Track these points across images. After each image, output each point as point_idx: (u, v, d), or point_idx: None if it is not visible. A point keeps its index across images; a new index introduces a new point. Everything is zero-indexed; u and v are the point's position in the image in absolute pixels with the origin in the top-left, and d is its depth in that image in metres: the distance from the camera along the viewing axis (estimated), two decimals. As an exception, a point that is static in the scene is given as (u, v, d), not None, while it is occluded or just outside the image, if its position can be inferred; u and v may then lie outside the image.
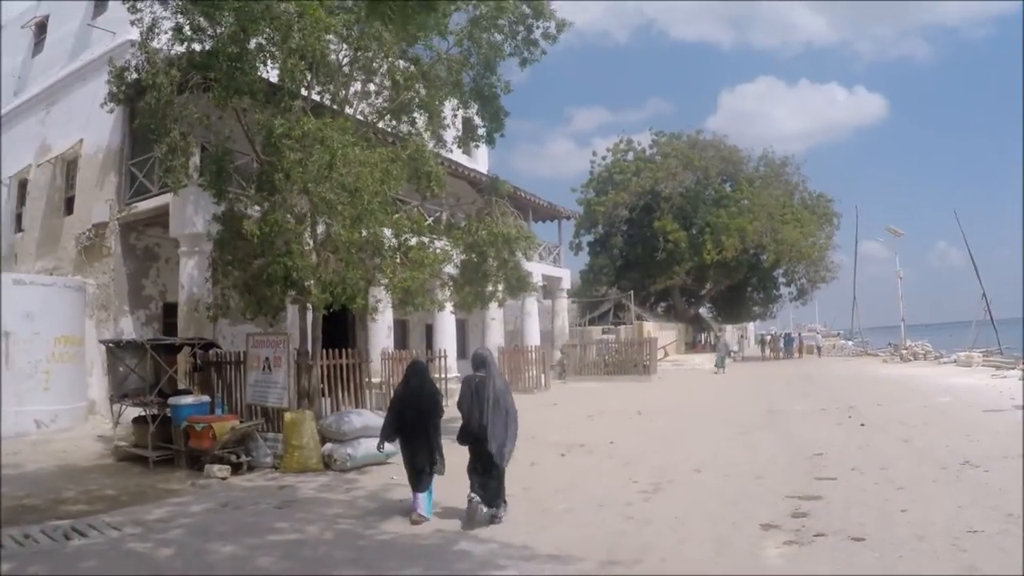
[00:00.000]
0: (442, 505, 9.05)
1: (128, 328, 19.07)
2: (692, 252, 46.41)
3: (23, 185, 23.28)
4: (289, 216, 12.70)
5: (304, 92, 13.92)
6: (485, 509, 8.30)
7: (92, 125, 20.00)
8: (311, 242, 13.18)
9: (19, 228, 23.21)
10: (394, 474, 11.05)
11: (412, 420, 8.88)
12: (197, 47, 13.33)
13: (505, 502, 8.55)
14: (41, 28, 24.06)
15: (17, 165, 23.23)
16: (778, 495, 9.21)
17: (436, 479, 8.88)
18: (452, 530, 8.09)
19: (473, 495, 8.36)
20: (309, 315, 14.06)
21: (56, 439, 15.50)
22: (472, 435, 8.47)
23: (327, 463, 12.16)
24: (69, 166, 21.52)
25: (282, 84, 13.19)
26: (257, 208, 13.42)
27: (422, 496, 8.67)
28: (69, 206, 21.31)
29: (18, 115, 23.88)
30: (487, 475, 8.40)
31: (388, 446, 10.07)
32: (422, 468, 8.73)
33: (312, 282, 12.57)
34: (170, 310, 19.18)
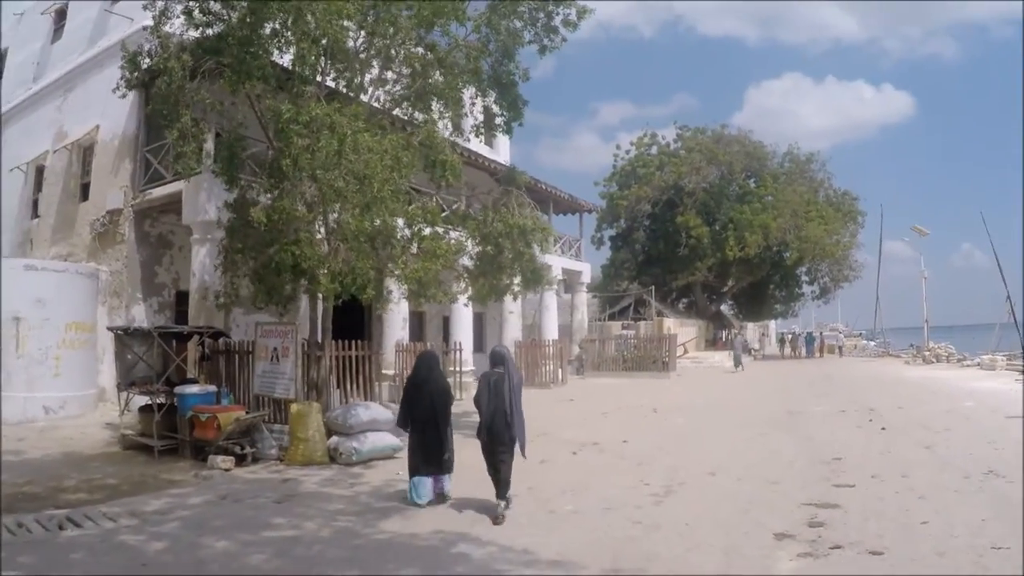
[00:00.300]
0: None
1: (140, 316, 18.99)
2: (714, 248, 45.94)
3: (40, 171, 23.29)
4: (300, 204, 12.49)
5: (318, 78, 13.69)
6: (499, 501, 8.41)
7: (108, 111, 19.93)
8: (322, 231, 12.96)
9: (35, 214, 23.24)
10: (400, 469, 10.82)
11: (422, 409, 9.04)
12: (209, 31, 13.11)
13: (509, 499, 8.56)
14: (61, 15, 24.11)
15: (35, 151, 23.24)
16: (794, 502, 8.87)
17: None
18: (452, 531, 7.80)
19: (501, 500, 8.45)
20: (320, 305, 13.86)
21: (64, 426, 15.46)
22: (487, 430, 8.53)
23: (333, 456, 11.95)
24: (85, 152, 21.51)
25: (295, 69, 12.95)
26: (269, 196, 13.20)
27: (444, 478, 9.02)
28: (84, 192, 21.30)
29: (36, 101, 23.92)
30: (498, 468, 8.49)
31: (396, 440, 10.54)
32: (431, 458, 8.92)
33: (322, 271, 12.34)
34: (183, 298, 19.03)
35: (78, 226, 20.95)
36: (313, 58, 12.42)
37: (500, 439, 8.48)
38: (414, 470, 8.99)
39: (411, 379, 9.55)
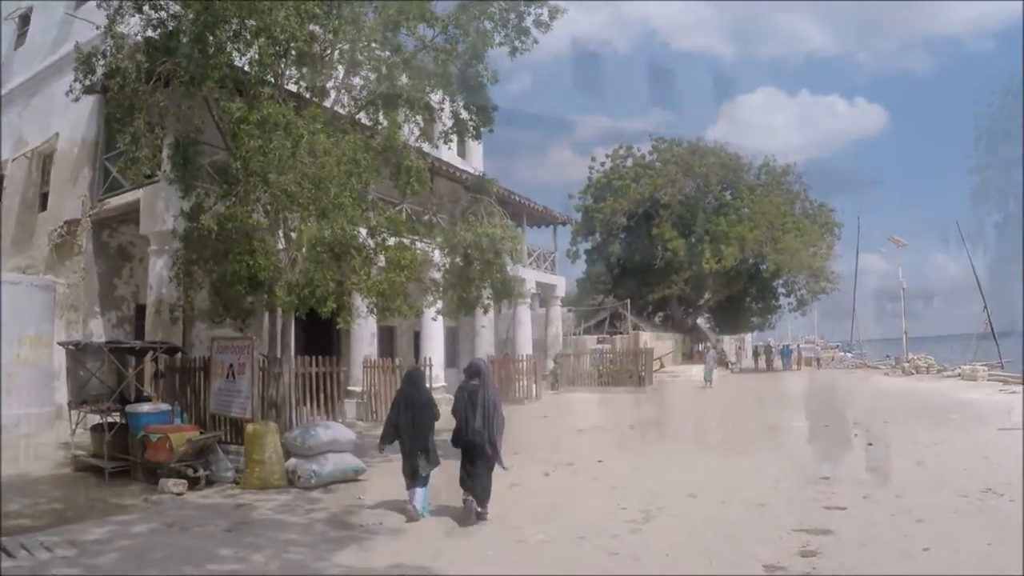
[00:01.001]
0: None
1: (98, 330, 18.22)
2: (691, 261, 45.55)
3: None
4: (257, 211, 11.84)
5: (278, 80, 13.05)
6: (476, 508, 8.71)
7: (68, 118, 19.28)
8: (282, 240, 12.29)
9: (-7, 225, 22.39)
10: (360, 494, 10.29)
11: (408, 424, 9.31)
12: (163, 29, 12.49)
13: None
14: (24, 20, 23.41)
15: (-5, 159, 22.41)
16: (782, 527, 8.31)
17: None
18: (412, 564, 7.19)
19: (468, 497, 8.79)
20: (279, 319, 13.20)
21: (16, 446, 14.72)
22: (464, 439, 8.90)
23: (291, 480, 11.27)
24: (45, 160, 20.81)
25: (252, 71, 12.30)
26: (225, 203, 12.54)
27: (419, 491, 9.13)
28: (44, 202, 20.55)
29: (-3, 108, 23.08)
30: (477, 474, 8.79)
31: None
32: (416, 467, 9.13)
33: (279, 283, 11.68)
34: (143, 312, 18.28)
35: (36, 237, 20.19)
36: (271, 57, 11.76)
37: (480, 451, 8.76)
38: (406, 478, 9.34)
39: (398, 393, 9.96)
